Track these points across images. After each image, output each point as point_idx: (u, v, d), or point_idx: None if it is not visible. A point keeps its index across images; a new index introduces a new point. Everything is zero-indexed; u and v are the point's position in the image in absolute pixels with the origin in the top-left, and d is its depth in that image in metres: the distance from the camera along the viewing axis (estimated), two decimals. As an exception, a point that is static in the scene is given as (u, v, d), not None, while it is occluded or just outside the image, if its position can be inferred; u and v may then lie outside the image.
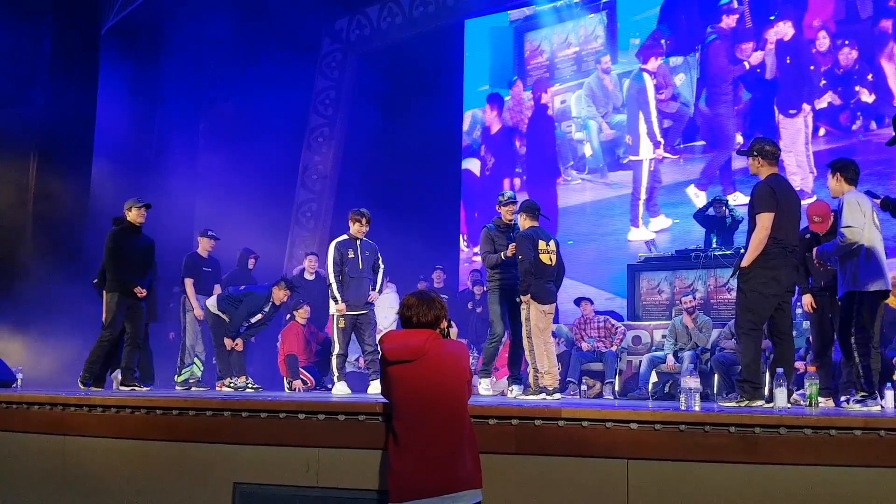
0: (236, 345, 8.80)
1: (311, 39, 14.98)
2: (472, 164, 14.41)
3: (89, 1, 11.64)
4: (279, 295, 8.93)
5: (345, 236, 8.39)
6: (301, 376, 9.57)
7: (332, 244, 8.36)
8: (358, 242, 8.36)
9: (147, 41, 12.60)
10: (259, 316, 8.92)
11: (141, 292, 8.03)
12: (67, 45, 11.24)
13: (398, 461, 4.29)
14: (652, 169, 12.70)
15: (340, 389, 8.09)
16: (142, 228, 8.25)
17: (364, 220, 8.35)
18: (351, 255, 8.29)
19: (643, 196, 12.71)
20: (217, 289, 9.76)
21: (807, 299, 6.89)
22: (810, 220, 6.64)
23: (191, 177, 13.26)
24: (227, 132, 13.82)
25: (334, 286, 8.19)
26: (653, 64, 12.82)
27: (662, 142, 12.68)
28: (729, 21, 12.27)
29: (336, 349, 8.23)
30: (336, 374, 8.20)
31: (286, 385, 9.56)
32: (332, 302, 8.28)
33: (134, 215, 8.16)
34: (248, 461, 5.29)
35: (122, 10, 11.96)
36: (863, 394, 5.90)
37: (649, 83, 12.82)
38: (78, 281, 10.14)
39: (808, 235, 6.69)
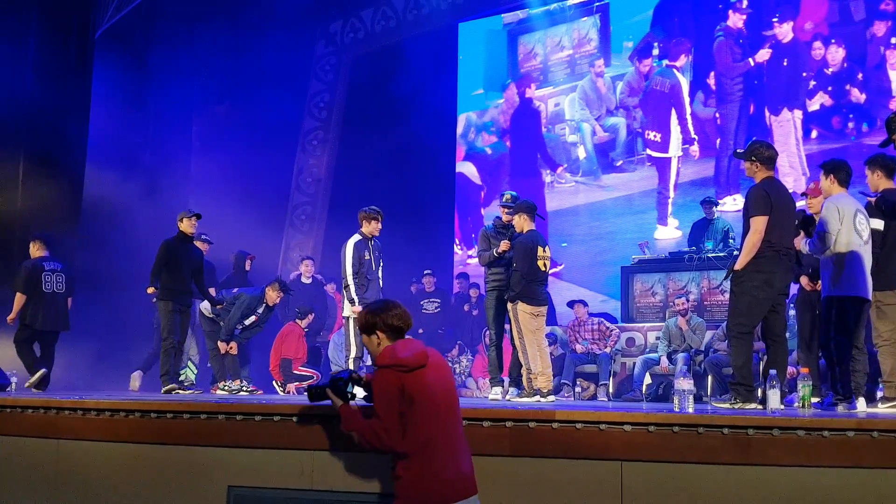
0: (230, 348, 8.79)
1: (306, 42, 15.00)
2: (467, 168, 14.41)
3: (82, 6, 11.62)
4: (272, 296, 8.92)
5: (358, 236, 8.20)
6: (302, 373, 9.59)
7: (351, 244, 8.12)
8: (371, 242, 8.22)
9: (140, 45, 12.59)
10: (253, 318, 8.91)
11: (150, 290, 8.18)
12: (61, 49, 11.22)
13: (431, 468, 4.08)
14: (679, 166, 12.61)
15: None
16: (193, 238, 8.52)
17: (380, 218, 8.22)
18: (367, 255, 8.12)
19: (672, 194, 12.58)
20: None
21: (804, 280, 6.87)
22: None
23: (185, 179, 13.25)
24: (221, 135, 13.81)
25: (352, 288, 8.00)
26: (682, 60, 12.73)
27: (697, 138, 12.51)
28: (736, 20, 12.28)
29: (353, 352, 8.00)
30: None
31: (278, 387, 9.56)
32: (347, 304, 8.07)
33: (185, 226, 8.36)
34: (242, 464, 5.29)
35: (115, 14, 11.95)
36: (838, 397, 5.92)
37: (683, 80, 12.67)
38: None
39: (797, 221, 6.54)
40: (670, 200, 12.58)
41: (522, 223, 7.56)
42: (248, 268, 10.49)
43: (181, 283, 8.26)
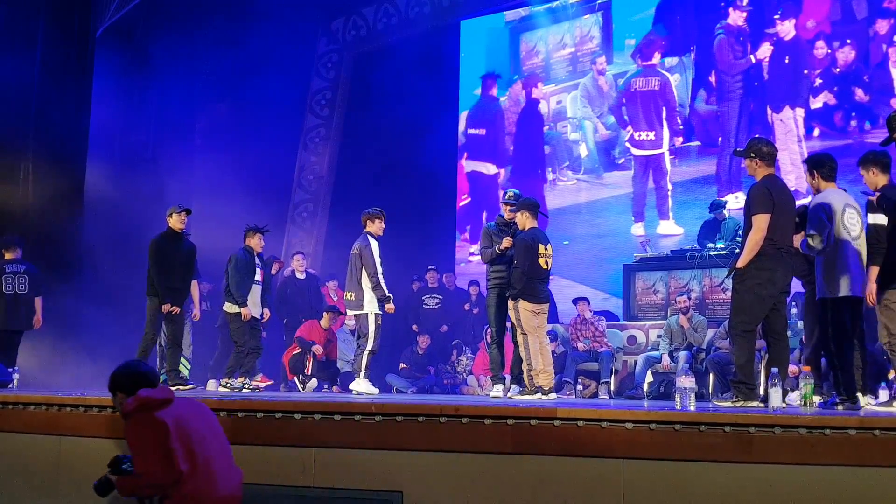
0: (264, 316, 8.84)
1: (308, 40, 14.99)
2: (474, 165, 14.41)
3: (83, 3, 11.62)
4: (255, 242, 8.83)
5: (372, 237, 8.26)
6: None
7: (375, 244, 8.20)
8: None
9: (142, 43, 12.57)
10: (258, 271, 8.79)
11: (174, 310, 8.12)
12: (62, 46, 11.21)
13: (205, 487, 4.22)
14: (671, 165, 12.69)
15: (369, 388, 8.07)
16: (183, 233, 8.38)
17: (384, 217, 8.36)
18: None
19: (669, 188, 12.62)
20: (195, 285, 9.66)
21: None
22: None
23: (187, 177, 13.24)
24: (223, 132, 13.79)
25: (384, 284, 8.11)
26: (657, 59, 12.84)
27: (683, 128, 12.65)
28: (736, 17, 12.28)
29: (370, 346, 8.10)
30: (364, 371, 8.09)
31: (296, 381, 9.55)
32: (376, 300, 8.11)
33: (174, 221, 8.28)
34: (244, 461, 5.25)
35: (117, 11, 11.95)
36: (842, 397, 5.92)
37: (670, 76, 12.79)
38: (69, 282, 10.13)
39: None
40: (669, 194, 12.66)
41: (524, 221, 7.57)
42: (274, 272, 10.61)
43: (170, 280, 8.18)
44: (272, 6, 13.01)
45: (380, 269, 8.12)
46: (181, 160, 13.19)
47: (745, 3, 12.27)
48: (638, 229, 12.66)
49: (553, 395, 7.35)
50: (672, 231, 12.39)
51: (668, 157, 12.68)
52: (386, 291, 8.13)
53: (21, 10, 10.88)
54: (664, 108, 12.72)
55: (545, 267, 7.47)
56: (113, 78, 11.83)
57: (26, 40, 10.91)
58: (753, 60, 12.12)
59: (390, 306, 8.17)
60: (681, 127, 12.64)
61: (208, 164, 13.43)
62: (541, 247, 7.43)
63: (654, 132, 12.80)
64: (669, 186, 12.58)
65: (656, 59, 12.80)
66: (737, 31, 12.28)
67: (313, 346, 9.83)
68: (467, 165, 14.36)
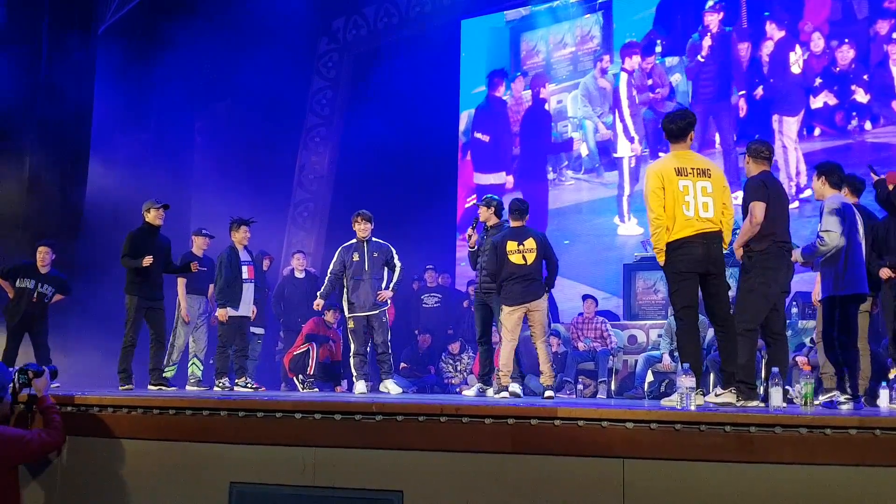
0: (252, 311, 8.83)
1: (308, 39, 14.99)
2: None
3: (85, 2, 11.62)
4: (237, 236, 8.79)
5: (353, 240, 8.53)
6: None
7: (342, 246, 8.56)
8: (365, 245, 8.42)
9: (143, 41, 12.58)
10: (245, 269, 8.74)
11: (148, 261, 7.90)
12: (64, 45, 11.22)
13: None
14: (633, 166, 12.84)
15: (360, 388, 8.26)
16: (160, 229, 8.29)
17: (360, 220, 8.44)
18: (356, 257, 8.39)
19: (629, 190, 12.88)
20: (212, 288, 9.69)
21: (885, 272, 6.52)
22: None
23: (187, 175, 13.24)
24: (224, 131, 13.80)
25: (326, 286, 8.54)
26: (629, 63, 12.94)
27: (637, 137, 12.93)
28: (735, 17, 12.32)
29: (352, 349, 8.46)
30: (355, 373, 8.38)
31: (296, 381, 9.55)
32: (345, 305, 8.57)
33: (152, 216, 8.18)
34: (244, 461, 5.29)
35: (118, 10, 11.95)
36: (846, 397, 5.93)
37: (623, 81, 13.05)
38: (70, 278, 10.12)
39: None
40: (625, 196, 12.82)
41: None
42: (265, 268, 10.59)
43: (149, 276, 8.05)
44: (273, 6, 13.01)
45: (331, 269, 8.49)
46: (182, 158, 13.19)
47: (742, 1, 12.27)
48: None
49: (503, 394, 7.48)
50: (634, 231, 12.51)
51: (626, 162, 12.87)
52: (323, 292, 8.54)
53: (24, 8, 10.89)
54: (616, 112, 13.01)
55: (519, 262, 7.51)
56: (114, 76, 11.83)
57: (29, 39, 10.92)
58: (751, 58, 12.10)
59: (318, 302, 8.61)
60: (633, 136, 12.82)
61: (209, 162, 13.43)
62: (510, 244, 7.57)
63: (610, 131, 13.08)
64: (627, 190, 12.82)
65: (630, 62, 12.95)
66: (736, 31, 12.27)
67: (328, 341, 9.84)
68: (477, 178, 14.34)
